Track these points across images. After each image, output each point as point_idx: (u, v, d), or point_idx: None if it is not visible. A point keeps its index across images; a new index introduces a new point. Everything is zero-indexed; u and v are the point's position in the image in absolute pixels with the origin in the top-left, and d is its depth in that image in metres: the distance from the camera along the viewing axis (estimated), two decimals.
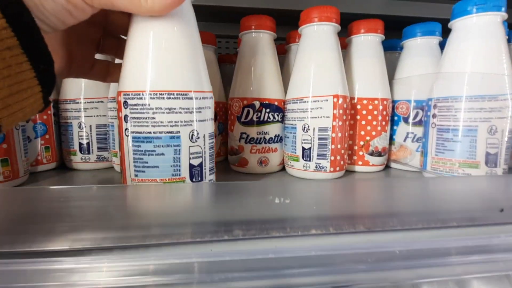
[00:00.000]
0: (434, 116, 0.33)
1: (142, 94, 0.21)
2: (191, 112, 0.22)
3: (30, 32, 0.14)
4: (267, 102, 0.36)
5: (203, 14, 0.61)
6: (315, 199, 0.19)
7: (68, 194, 0.17)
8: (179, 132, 0.22)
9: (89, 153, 0.39)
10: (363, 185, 0.23)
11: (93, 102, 0.38)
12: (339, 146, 0.34)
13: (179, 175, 0.23)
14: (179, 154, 0.22)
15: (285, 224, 0.18)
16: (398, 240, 0.19)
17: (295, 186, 0.20)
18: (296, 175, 0.36)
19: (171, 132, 0.22)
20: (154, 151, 0.22)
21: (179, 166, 0.22)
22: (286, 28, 0.48)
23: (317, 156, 0.33)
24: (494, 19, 0.31)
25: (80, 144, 0.38)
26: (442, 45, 0.41)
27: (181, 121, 0.22)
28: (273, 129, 0.37)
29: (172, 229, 0.17)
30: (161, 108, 0.21)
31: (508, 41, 0.39)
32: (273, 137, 0.37)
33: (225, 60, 0.58)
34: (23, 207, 0.17)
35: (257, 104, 0.36)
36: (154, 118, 0.21)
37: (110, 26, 0.25)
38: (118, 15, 0.24)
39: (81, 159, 0.39)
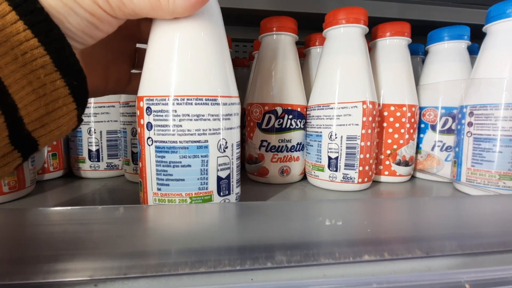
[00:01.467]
0: (470, 124, 0.31)
1: (168, 99, 0.19)
2: (219, 120, 0.20)
3: (61, 49, 0.14)
4: (289, 108, 0.34)
5: None
6: (365, 219, 0.16)
7: (86, 216, 0.15)
8: (207, 141, 0.20)
9: (98, 160, 0.36)
10: (414, 203, 0.21)
11: (104, 106, 0.36)
12: (368, 155, 0.31)
13: (207, 188, 0.20)
14: (206, 165, 0.20)
15: (333, 249, 0.16)
16: (463, 267, 0.16)
17: (341, 205, 0.17)
18: (321, 186, 0.34)
19: (198, 142, 0.20)
20: (180, 162, 0.20)
21: (207, 178, 0.20)
22: (304, 31, 0.46)
23: (345, 166, 0.31)
24: None
25: (90, 151, 0.36)
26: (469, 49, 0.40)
27: (210, 129, 0.20)
28: (295, 137, 0.34)
29: (208, 256, 0.15)
30: (188, 115, 0.19)
31: None
32: (295, 145, 0.35)
33: (237, 64, 0.56)
34: (31, 232, 0.15)
35: (279, 110, 0.34)
36: (180, 125, 0.19)
37: (143, 38, 0.24)
38: (149, 26, 0.23)
39: (90, 167, 0.36)
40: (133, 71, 0.26)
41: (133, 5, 0.16)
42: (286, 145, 0.34)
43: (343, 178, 0.31)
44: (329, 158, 0.32)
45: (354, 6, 0.44)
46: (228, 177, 0.21)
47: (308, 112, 0.35)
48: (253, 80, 0.37)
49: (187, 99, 0.19)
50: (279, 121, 0.34)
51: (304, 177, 0.37)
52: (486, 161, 0.30)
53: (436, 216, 0.20)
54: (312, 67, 0.42)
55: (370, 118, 0.31)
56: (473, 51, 0.43)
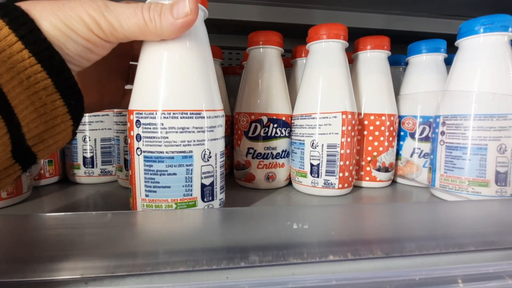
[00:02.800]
0: (442, 133, 0.33)
1: (156, 114, 0.21)
2: (203, 132, 0.22)
3: (61, 73, 0.16)
4: (275, 117, 0.36)
5: (206, 26, 0.61)
6: (331, 223, 0.18)
7: (77, 221, 0.17)
8: (191, 151, 0.22)
9: (93, 166, 0.38)
10: (378, 208, 0.23)
11: (98, 115, 0.38)
12: (347, 162, 0.33)
13: (191, 195, 0.22)
14: (191, 173, 0.22)
15: (302, 250, 0.17)
16: (417, 266, 0.18)
17: (310, 211, 0.19)
18: (304, 191, 0.35)
19: (183, 152, 0.21)
20: (166, 171, 0.21)
21: (191, 186, 0.22)
22: (289, 40, 0.48)
23: (326, 172, 0.33)
24: (501, 39, 0.31)
25: (84, 157, 0.38)
26: (446, 60, 0.42)
27: (194, 141, 0.22)
28: (280, 145, 0.36)
29: (187, 256, 0.16)
30: (174, 128, 0.21)
31: None
32: (280, 152, 0.37)
33: (229, 72, 0.58)
34: (27, 235, 0.16)
35: (264, 119, 0.36)
36: (167, 137, 0.21)
37: (136, 56, 0.26)
38: (140, 44, 0.25)
39: (85, 173, 0.38)
40: (127, 87, 0.28)
41: (124, 30, 0.18)
42: (271, 152, 0.36)
43: (324, 184, 0.33)
44: (311, 165, 0.34)
45: (340, 17, 0.46)
46: (211, 184, 0.23)
47: (292, 121, 0.37)
48: (241, 90, 0.39)
49: (173, 113, 0.21)
50: (265, 129, 0.36)
51: (289, 183, 0.39)
52: (457, 168, 0.32)
53: (410, 221, 0.22)
54: (299, 77, 0.44)
55: (350, 127, 0.33)
56: (451, 61, 0.45)
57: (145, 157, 0.21)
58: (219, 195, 0.24)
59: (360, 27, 0.56)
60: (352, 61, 0.41)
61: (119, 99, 0.27)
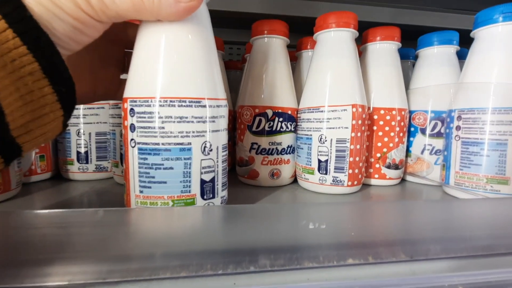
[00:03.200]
0: (458, 128, 0.31)
1: (151, 101, 0.19)
2: (204, 122, 0.20)
3: (49, 56, 0.14)
4: (280, 111, 0.34)
5: None
6: (350, 223, 0.16)
7: (64, 220, 0.15)
8: (190, 143, 0.20)
9: (87, 162, 0.36)
10: (395, 206, 0.21)
11: (93, 108, 0.35)
12: (357, 158, 0.31)
13: (189, 191, 0.20)
14: (189, 168, 0.20)
15: (317, 253, 0.16)
16: (445, 270, 0.16)
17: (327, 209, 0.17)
18: (311, 188, 0.33)
19: (181, 144, 0.19)
20: (162, 164, 0.19)
21: (190, 181, 0.20)
22: (292, 35, 0.46)
23: (335, 169, 0.31)
24: None
25: (78, 153, 0.36)
26: (458, 54, 0.40)
27: (193, 132, 0.20)
28: (285, 140, 0.34)
29: (189, 260, 0.14)
30: (171, 117, 0.19)
31: None
32: (286, 148, 0.35)
33: (230, 66, 0.56)
34: (11, 235, 0.14)
35: (269, 112, 0.34)
36: (163, 127, 0.19)
37: (130, 43, 0.24)
38: (136, 30, 0.23)
39: (79, 169, 0.36)
40: (123, 76, 0.26)
41: (116, 6, 0.16)
42: (276, 148, 0.34)
43: (333, 181, 0.31)
44: (319, 161, 0.32)
45: (347, 10, 0.44)
46: (212, 180, 0.21)
47: (298, 115, 0.35)
48: (244, 83, 0.37)
49: (170, 101, 0.19)
50: (270, 123, 0.34)
51: (295, 180, 0.37)
52: (474, 165, 0.30)
53: (424, 219, 0.20)
54: (304, 70, 0.42)
55: (360, 121, 0.31)
56: (462, 56, 0.43)
57: (139, 149, 0.19)
58: (221, 193, 0.22)
59: (366, 20, 0.54)
60: (360, 53, 0.39)
61: (114, 89, 0.25)
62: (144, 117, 0.19)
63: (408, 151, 0.39)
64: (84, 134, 0.36)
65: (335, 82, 0.32)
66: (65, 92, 0.15)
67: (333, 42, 0.32)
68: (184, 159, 0.20)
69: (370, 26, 0.38)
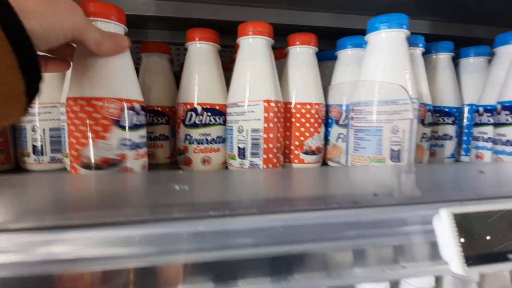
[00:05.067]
0: (352, 118, 0.38)
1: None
2: None
3: (29, 55, 0.17)
4: (208, 106, 0.40)
5: (161, 24, 0.63)
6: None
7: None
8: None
9: (42, 154, 0.41)
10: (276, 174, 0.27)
11: (46, 107, 0.40)
12: (271, 145, 0.38)
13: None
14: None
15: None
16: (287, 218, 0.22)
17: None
18: None
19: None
20: None
21: None
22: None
23: (251, 154, 0.37)
24: (398, 35, 0.36)
25: (34, 146, 0.41)
26: None
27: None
28: (214, 131, 0.40)
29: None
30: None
31: (425, 53, 0.45)
32: (215, 138, 0.40)
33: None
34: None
35: (199, 108, 0.39)
36: None
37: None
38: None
39: (35, 160, 0.41)
40: None
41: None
42: (206, 138, 0.40)
43: (250, 165, 0.38)
44: (239, 148, 0.38)
45: (284, 18, 0.49)
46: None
47: (227, 110, 0.41)
48: (180, 84, 0.42)
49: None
50: (199, 117, 0.39)
51: (227, 167, 0.43)
52: (361, 148, 0.36)
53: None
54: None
55: (272, 114, 0.37)
56: None
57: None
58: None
59: (302, 24, 0.58)
60: (285, 55, 0.45)
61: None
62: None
63: (327, 140, 0.46)
64: (39, 130, 0.40)
65: (251, 81, 0.38)
66: (34, 86, 0.18)
67: (250, 47, 0.38)
68: None
69: (304, 30, 0.43)
